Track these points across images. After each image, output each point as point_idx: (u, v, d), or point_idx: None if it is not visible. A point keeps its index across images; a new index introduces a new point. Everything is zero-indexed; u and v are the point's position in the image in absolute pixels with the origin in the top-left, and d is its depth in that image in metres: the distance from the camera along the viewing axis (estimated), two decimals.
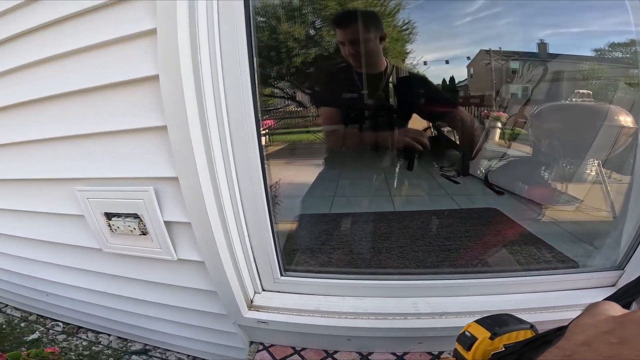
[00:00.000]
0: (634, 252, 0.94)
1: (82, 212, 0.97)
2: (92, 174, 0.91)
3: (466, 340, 0.44)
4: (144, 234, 0.92)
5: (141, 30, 0.74)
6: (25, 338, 1.60)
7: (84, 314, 1.49)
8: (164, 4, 0.69)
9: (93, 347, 1.51)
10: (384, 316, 0.97)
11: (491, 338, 0.43)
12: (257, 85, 0.86)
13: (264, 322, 1.03)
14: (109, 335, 1.59)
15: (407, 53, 2.15)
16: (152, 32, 0.72)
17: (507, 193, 1.40)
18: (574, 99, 1.39)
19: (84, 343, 1.54)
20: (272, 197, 1.50)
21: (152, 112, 0.77)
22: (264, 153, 0.91)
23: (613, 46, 1.60)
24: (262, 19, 2.06)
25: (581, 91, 1.40)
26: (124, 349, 1.51)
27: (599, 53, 1.60)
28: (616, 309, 0.29)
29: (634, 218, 0.94)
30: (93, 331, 1.62)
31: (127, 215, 0.91)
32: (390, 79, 1.47)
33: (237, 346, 1.20)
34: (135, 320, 1.34)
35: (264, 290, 1.11)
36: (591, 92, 1.41)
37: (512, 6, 1.80)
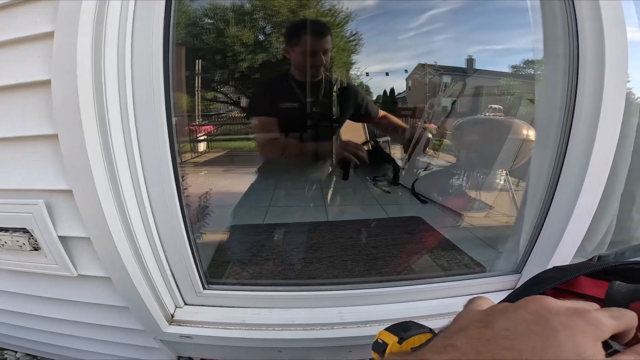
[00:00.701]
0: (529, 256, 1.05)
1: None
2: None
3: (379, 347, 0.47)
4: (35, 249, 0.84)
5: (38, 32, 0.69)
6: None
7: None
8: (67, 5, 0.65)
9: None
10: (312, 327, 0.98)
11: (399, 342, 0.46)
12: (171, 89, 0.83)
13: (187, 336, 1.00)
14: (15, 352, 1.44)
15: (352, 63, 2.23)
16: (50, 35, 0.68)
17: (431, 202, 1.51)
18: (487, 113, 1.54)
19: None
20: (203, 207, 1.46)
21: (43, 119, 0.71)
22: (178, 161, 0.88)
23: (527, 63, 1.79)
24: (209, 21, 2.02)
25: (493, 106, 1.55)
26: None
27: (515, 69, 1.79)
28: (488, 302, 0.36)
29: (529, 224, 1.06)
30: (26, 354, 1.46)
31: (16, 230, 0.83)
32: (329, 87, 1.51)
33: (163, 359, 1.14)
34: (42, 337, 1.22)
35: (186, 304, 1.07)
36: (502, 107, 1.57)
37: (450, 23, 1.93)
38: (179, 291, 1.04)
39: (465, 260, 1.23)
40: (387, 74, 2.34)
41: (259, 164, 1.46)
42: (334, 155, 1.44)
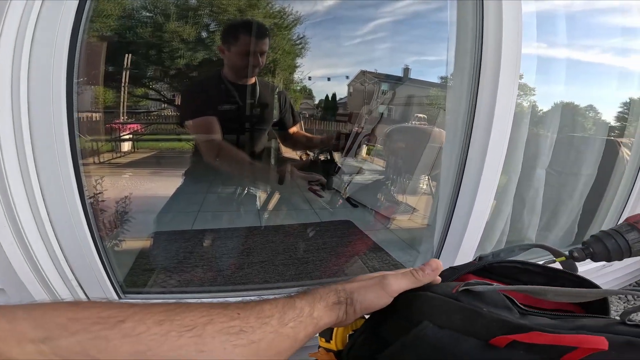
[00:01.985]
0: (439, 255, 1.16)
1: None
2: None
3: (326, 332, 0.51)
4: None
5: None
6: None
7: None
8: None
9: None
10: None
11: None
12: (74, 82, 0.80)
13: None
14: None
15: (296, 67, 2.26)
16: None
17: (361, 206, 1.59)
18: (413, 122, 1.67)
19: None
20: (121, 212, 1.41)
21: None
22: (79, 160, 0.84)
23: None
24: (147, 14, 1.92)
25: (419, 115, 1.69)
26: None
27: (443, 80, 1.95)
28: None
29: (440, 225, 1.17)
30: None
31: None
32: (264, 90, 1.53)
33: None
34: None
35: None
36: (426, 116, 1.71)
37: (392, 33, 2.04)
38: (89, 300, 1.01)
39: (389, 260, 1.32)
40: (328, 79, 2.42)
41: (187, 167, 1.43)
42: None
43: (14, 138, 0.75)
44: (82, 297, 0.98)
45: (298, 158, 1.65)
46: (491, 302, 0.38)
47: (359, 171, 1.64)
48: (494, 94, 0.94)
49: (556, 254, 0.58)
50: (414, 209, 1.61)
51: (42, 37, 0.73)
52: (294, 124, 1.48)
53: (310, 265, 1.35)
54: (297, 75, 2.32)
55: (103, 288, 0.99)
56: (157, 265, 1.31)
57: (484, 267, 0.53)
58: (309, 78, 2.31)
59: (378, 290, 0.44)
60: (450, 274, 0.53)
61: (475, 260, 0.58)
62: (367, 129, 1.60)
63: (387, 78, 2.25)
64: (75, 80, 0.80)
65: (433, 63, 2.15)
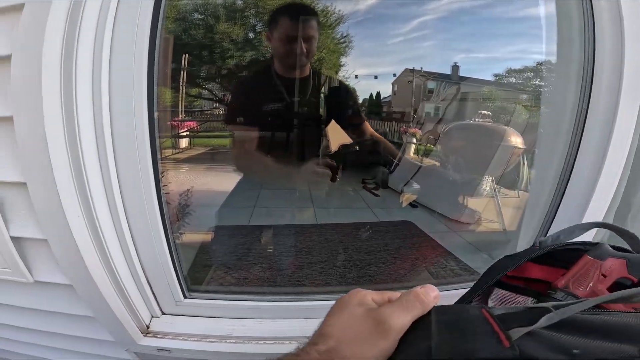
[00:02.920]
0: None
1: None
2: None
3: None
4: None
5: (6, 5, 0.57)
6: None
7: None
8: None
9: None
10: (307, 339, 0.89)
11: None
12: (156, 78, 0.72)
13: (165, 349, 0.88)
14: None
15: (341, 65, 2.17)
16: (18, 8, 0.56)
17: (421, 206, 1.44)
18: (476, 119, 1.50)
19: None
20: (184, 206, 1.33)
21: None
22: (158, 155, 0.76)
23: (509, 72, 1.79)
24: (199, 16, 1.91)
25: (483, 112, 1.52)
26: None
27: (497, 78, 1.78)
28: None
29: (530, 231, 1.00)
30: None
31: None
32: (323, 88, 1.41)
33: None
34: (8, 346, 1.07)
35: (164, 314, 0.95)
36: (490, 114, 1.54)
37: (437, 30, 1.92)
38: (156, 300, 0.92)
39: (460, 266, 1.17)
40: (375, 77, 2.29)
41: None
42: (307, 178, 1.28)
43: (95, 133, 0.67)
44: (149, 294, 0.89)
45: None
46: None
47: (418, 170, 1.49)
48: (618, 83, 0.75)
49: (622, 233, 0.49)
50: (480, 213, 1.44)
51: (121, 37, 0.66)
52: (359, 122, 1.33)
53: (372, 268, 1.22)
54: (342, 74, 2.22)
55: (170, 287, 0.90)
56: (216, 261, 1.21)
57: (545, 254, 0.46)
58: (356, 76, 2.20)
59: (376, 339, 0.31)
60: (508, 262, 0.47)
61: (534, 245, 0.50)
62: (427, 127, 1.45)
63: (439, 76, 2.10)
64: (155, 81, 0.72)
65: (484, 60, 1.99)
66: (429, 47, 2.12)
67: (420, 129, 1.74)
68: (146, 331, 0.89)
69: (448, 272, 1.19)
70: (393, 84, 2.33)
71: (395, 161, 1.42)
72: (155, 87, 0.72)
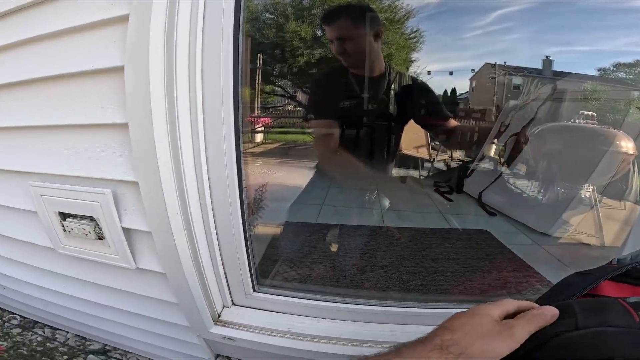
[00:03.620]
0: None
1: (35, 209, 0.88)
2: (47, 169, 0.82)
3: None
4: (100, 239, 0.83)
5: (112, 16, 0.65)
6: None
7: (41, 310, 1.39)
8: None
9: (48, 344, 1.41)
10: (360, 343, 0.91)
11: None
12: (240, 84, 0.78)
13: (230, 338, 0.97)
14: (67, 332, 1.49)
15: (412, 61, 2.10)
16: (124, 19, 0.63)
17: (500, 214, 1.34)
18: (577, 120, 1.33)
19: (39, 339, 1.45)
20: (257, 200, 1.42)
21: (115, 108, 0.69)
22: (242, 158, 0.83)
23: (618, 66, 1.56)
24: (270, 16, 2.00)
25: (585, 112, 1.34)
26: (82, 347, 1.42)
27: (602, 73, 1.56)
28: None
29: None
30: (50, 327, 1.53)
31: (83, 217, 0.82)
32: (392, 85, 1.38)
33: (202, 357, 1.12)
34: (93, 321, 1.26)
35: (234, 304, 1.04)
36: (595, 114, 1.35)
37: (522, 22, 1.77)
38: (229, 291, 1.01)
39: (540, 282, 1.07)
40: (451, 73, 2.17)
41: (317, 160, 1.37)
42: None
43: (191, 135, 0.75)
44: (224, 286, 0.98)
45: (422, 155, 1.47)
46: None
47: (500, 176, 1.39)
48: None
49: None
50: (572, 226, 1.30)
51: (209, 40, 0.72)
52: (441, 119, 1.28)
53: (439, 277, 1.18)
54: (414, 70, 2.14)
55: (243, 279, 0.97)
56: (282, 257, 1.28)
57: (623, 273, 0.45)
58: (428, 72, 2.10)
59: (499, 342, 0.36)
60: (581, 281, 0.46)
61: (611, 263, 0.49)
62: (514, 128, 1.33)
63: (525, 71, 1.91)
64: (240, 80, 0.78)
65: (584, 54, 1.76)
66: (513, 40, 1.94)
67: (504, 130, 1.61)
68: (217, 320, 0.98)
69: (526, 288, 1.11)
70: (471, 79, 2.19)
71: (473, 164, 1.35)
72: (239, 87, 0.78)
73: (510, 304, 0.42)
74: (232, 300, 1.03)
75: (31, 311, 1.47)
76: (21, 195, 0.91)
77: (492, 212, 1.33)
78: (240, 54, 0.76)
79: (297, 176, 1.36)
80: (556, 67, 1.74)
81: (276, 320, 0.98)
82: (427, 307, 0.98)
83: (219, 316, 0.99)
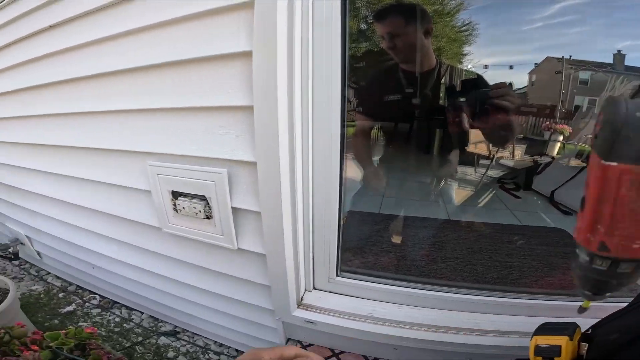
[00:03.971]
0: None
1: (149, 188, 0.96)
2: (166, 149, 0.89)
3: (547, 351, 0.47)
4: (207, 218, 0.89)
5: (239, 2, 0.70)
6: (60, 310, 1.62)
7: (122, 290, 1.50)
8: None
9: (124, 325, 1.52)
10: (441, 329, 0.92)
11: (571, 339, 0.46)
12: (347, 72, 0.81)
13: (311, 322, 1.00)
14: (142, 313, 1.60)
15: (464, 55, 2.06)
16: (249, 5, 0.68)
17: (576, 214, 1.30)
18: None
19: (117, 319, 1.56)
20: None
21: (239, 91, 0.74)
22: (345, 144, 0.86)
23: None
24: None
25: None
26: (154, 328, 1.51)
27: None
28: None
29: None
30: (127, 307, 1.63)
31: (194, 197, 0.89)
32: (443, 79, 1.39)
33: (272, 340, 1.17)
34: (173, 302, 1.34)
35: (315, 288, 1.07)
36: None
37: (589, 15, 1.70)
38: (313, 275, 1.04)
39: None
40: (510, 67, 2.12)
41: (381, 154, 1.39)
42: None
43: (301, 119, 0.80)
44: (311, 270, 1.02)
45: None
46: None
47: (579, 172, 1.35)
48: None
49: None
50: None
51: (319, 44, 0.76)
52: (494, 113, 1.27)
53: (515, 272, 1.18)
54: (468, 64, 2.10)
55: (330, 264, 1.01)
56: (353, 245, 1.30)
57: None
58: (485, 66, 2.06)
59: None
60: None
61: None
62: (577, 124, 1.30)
63: (597, 66, 1.83)
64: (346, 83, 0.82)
65: None
66: (578, 33, 1.87)
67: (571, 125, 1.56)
68: (300, 303, 1.02)
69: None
70: (530, 74, 2.13)
71: (545, 162, 1.33)
72: (346, 76, 0.81)
73: (288, 350, 0.43)
74: (313, 284, 1.06)
75: (113, 290, 1.58)
76: (136, 174, 0.99)
77: (566, 211, 1.30)
78: (347, 42, 0.80)
79: (356, 168, 1.38)
80: (627, 62, 1.67)
81: (358, 305, 1.01)
82: (511, 297, 0.98)
83: (301, 299, 1.03)
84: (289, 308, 0.98)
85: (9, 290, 1.28)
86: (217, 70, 0.76)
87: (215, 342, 1.41)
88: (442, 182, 1.45)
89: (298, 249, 0.93)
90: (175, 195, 0.92)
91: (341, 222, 0.96)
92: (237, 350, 1.36)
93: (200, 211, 0.88)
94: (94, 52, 0.96)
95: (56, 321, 1.54)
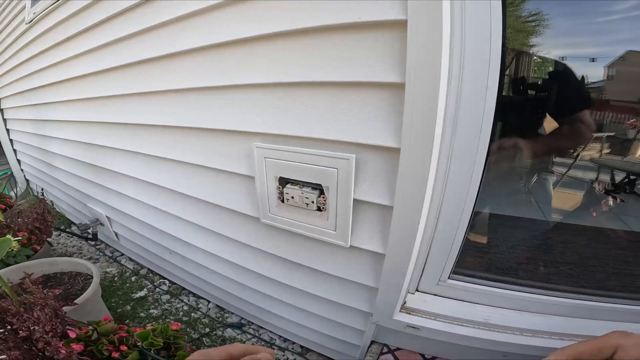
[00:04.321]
0: None
1: (251, 173, 0.86)
2: (279, 129, 0.77)
3: None
4: (319, 210, 0.78)
5: None
6: (133, 295, 1.60)
7: (193, 276, 1.44)
8: None
9: (192, 314, 1.47)
10: (571, 337, 0.82)
11: None
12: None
13: (414, 327, 0.90)
14: (209, 302, 1.55)
15: (531, 46, 1.87)
16: None
17: None
18: None
19: (185, 307, 1.51)
20: None
21: (385, 65, 0.61)
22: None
23: None
24: None
25: None
26: (220, 319, 1.45)
27: None
28: None
29: None
30: (194, 295, 1.59)
31: (306, 185, 0.77)
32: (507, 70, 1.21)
33: (351, 342, 1.07)
34: (242, 293, 1.26)
35: (417, 291, 0.96)
36: None
37: None
38: (421, 276, 0.93)
39: None
40: (592, 59, 1.90)
41: None
42: None
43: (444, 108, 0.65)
44: (419, 271, 0.90)
45: None
46: None
47: None
48: None
49: None
50: None
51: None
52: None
53: (638, 279, 1.01)
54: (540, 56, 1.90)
55: (445, 265, 0.89)
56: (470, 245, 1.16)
57: None
58: (562, 58, 1.85)
59: None
60: None
61: None
62: None
63: None
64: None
65: None
66: None
67: None
68: (402, 307, 0.92)
69: None
70: (608, 67, 1.89)
71: None
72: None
73: (235, 348, 0.42)
74: (417, 287, 0.95)
75: (183, 276, 1.53)
76: (239, 157, 0.89)
77: None
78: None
79: None
80: None
81: (471, 310, 0.89)
82: None
83: (404, 303, 0.93)
84: (392, 311, 0.89)
85: (91, 276, 1.24)
86: (358, 40, 0.62)
87: (280, 336, 1.35)
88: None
89: (419, 248, 0.81)
90: (283, 182, 0.81)
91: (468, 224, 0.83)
92: (301, 346, 1.30)
93: (312, 202, 0.76)
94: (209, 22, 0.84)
95: (128, 307, 1.51)
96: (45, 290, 0.93)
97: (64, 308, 0.94)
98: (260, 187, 0.84)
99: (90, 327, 0.91)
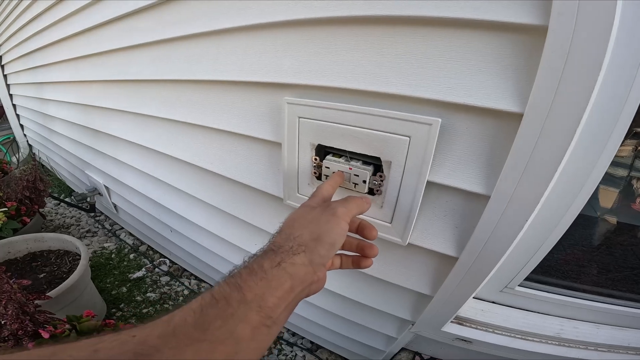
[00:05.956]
0: None
1: (278, 139, 0.61)
2: (328, 81, 0.51)
3: None
4: (370, 193, 0.54)
5: None
6: (130, 275, 1.38)
7: (195, 258, 1.22)
8: None
9: (193, 299, 1.25)
10: None
11: None
12: None
13: (465, 340, 0.71)
14: (211, 286, 1.32)
15: None
16: None
17: None
18: None
19: (185, 292, 1.29)
20: None
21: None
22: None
23: None
24: None
25: None
26: None
27: None
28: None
29: None
30: (196, 278, 1.37)
31: (356, 157, 0.53)
32: None
33: (376, 347, 0.87)
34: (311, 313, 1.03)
35: (473, 298, 0.75)
36: None
37: None
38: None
39: None
40: None
41: None
42: None
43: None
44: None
45: None
46: None
47: None
48: None
49: None
50: None
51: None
52: None
53: None
54: None
55: (521, 271, 0.68)
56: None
57: None
58: None
59: (329, 219, 0.36)
60: None
61: None
62: None
63: None
64: None
65: None
66: None
67: None
68: (455, 316, 0.73)
69: None
70: None
71: None
72: None
73: (323, 191, 0.43)
74: None
75: (184, 257, 1.31)
76: (262, 118, 0.64)
77: None
78: None
79: None
80: None
81: (540, 322, 0.72)
82: None
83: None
84: (442, 324, 0.70)
85: (79, 255, 1.01)
86: None
87: (288, 330, 1.15)
88: None
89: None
90: (321, 152, 0.56)
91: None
92: (311, 342, 1.11)
93: (364, 181, 0.51)
94: None
95: (124, 289, 1.29)
96: (12, 281, 0.70)
97: (37, 302, 0.71)
98: (289, 157, 0.59)
99: (68, 326, 0.69)
